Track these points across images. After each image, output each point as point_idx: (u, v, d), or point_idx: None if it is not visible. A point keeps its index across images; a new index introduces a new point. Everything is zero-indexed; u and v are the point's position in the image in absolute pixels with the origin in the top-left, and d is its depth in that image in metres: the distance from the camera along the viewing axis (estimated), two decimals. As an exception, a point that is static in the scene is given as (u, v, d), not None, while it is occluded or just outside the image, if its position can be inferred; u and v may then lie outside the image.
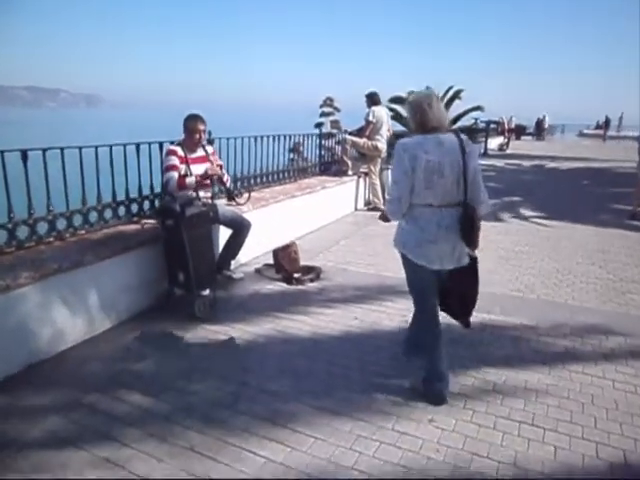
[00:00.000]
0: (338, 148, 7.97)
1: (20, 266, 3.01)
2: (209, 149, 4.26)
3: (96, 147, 3.85)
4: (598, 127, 30.71)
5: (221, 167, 4.32)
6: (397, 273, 4.89)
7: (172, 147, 4.10)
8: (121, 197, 4.15)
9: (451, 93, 21.97)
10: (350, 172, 7.68)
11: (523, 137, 29.54)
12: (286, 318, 3.83)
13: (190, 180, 3.95)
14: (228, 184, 4.48)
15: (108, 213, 4.04)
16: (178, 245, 3.64)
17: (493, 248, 5.90)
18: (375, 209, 7.83)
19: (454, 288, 2.78)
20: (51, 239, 3.54)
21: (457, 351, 3.28)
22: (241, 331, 3.59)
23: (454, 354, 3.17)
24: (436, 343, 2.82)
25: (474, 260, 2.74)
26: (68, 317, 3.23)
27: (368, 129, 7.44)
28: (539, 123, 30.37)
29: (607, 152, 20.64)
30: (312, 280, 4.64)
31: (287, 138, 6.60)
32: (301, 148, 7.60)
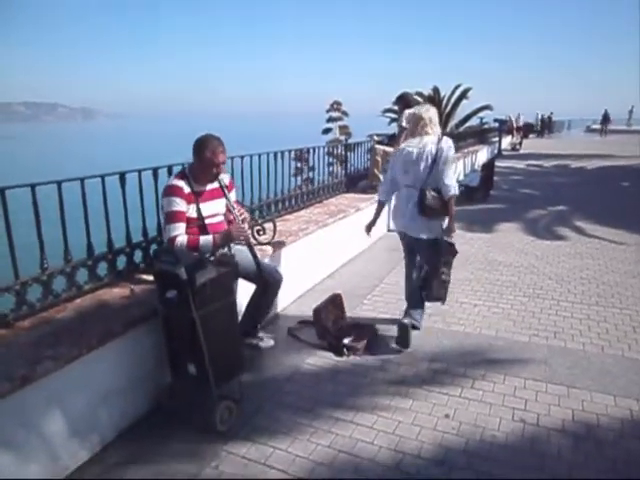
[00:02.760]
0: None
1: None
2: (225, 178, 3.01)
3: (58, 183, 2.61)
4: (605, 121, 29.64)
5: (244, 221, 2.99)
6: (473, 326, 3.76)
7: (174, 182, 2.83)
8: (101, 248, 2.92)
9: (458, 93, 20.88)
10: (382, 188, 6.44)
11: (530, 135, 28.37)
12: (347, 422, 2.59)
13: (205, 242, 2.77)
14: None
15: (82, 274, 2.81)
16: (185, 326, 2.41)
17: (577, 280, 4.67)
18: (411, 229, 6.60)
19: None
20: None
21: None
22: (286, 456, 2.33)
23: None
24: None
25: (440, 239, 3.37)
26: (12, 465, 1.98)
27: (402, 136, 6.19)
28: (546, 120, 29.24)
29: (631, 148, 19.42)
30: (367, 346, 3.39)
31: (311, 151, 5.39)
32: (306, 155, 6.34)
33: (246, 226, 2.94)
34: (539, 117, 29.62)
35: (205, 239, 2.78)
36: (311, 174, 6.05)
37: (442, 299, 3.59)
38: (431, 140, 3.34)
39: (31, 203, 2.49)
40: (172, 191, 2.79)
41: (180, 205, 2.77)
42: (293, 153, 5.01)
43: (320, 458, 2.32)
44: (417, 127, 3.43)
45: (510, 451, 2.35)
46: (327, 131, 13.85)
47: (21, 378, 1.97)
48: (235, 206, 3.03)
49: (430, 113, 3.44)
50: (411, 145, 3.39)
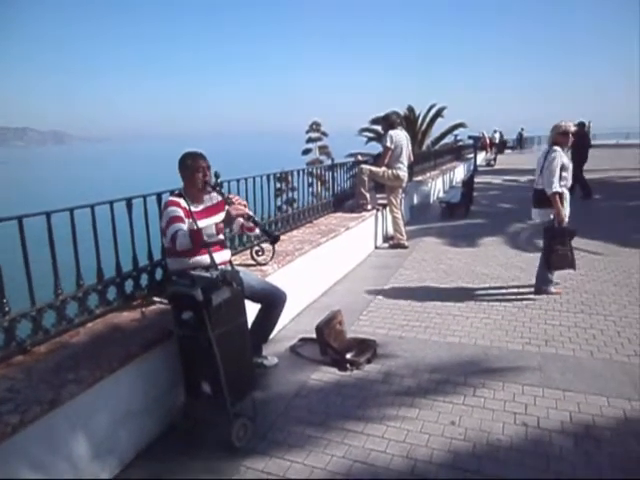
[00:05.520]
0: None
1: (-45, 427, 1.81)
2: (216, 197, 3.10)
3: (71, 210, 2.69)
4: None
5: (245, 205, 3.03)
6: (468, 337, 3.91)
7: (172, 198, 2.97)
8: (109, 273, 2.99)
9: (433, 111, 21.43)
10: (369, 206, 6.61)
11: (506, 151, 29.20)
12: (359, 433, 2.68)
13: (209, 231, 2.77)
14: (257, 230, 3.28)
15: (93, 299, 2.87)
16: (201, 346, 2.48)
17: (562, 289, 4.87)
18: (398, 245, 6.78)
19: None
20: (7, 355, 2.34)
21: None
22: (304, 469, 2.41)
23: None
24: None
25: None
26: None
27: (387, 156, 6.42)
28: (520, 137, 30.19)
29: (596, 162, 20.14)
30: (369, 360, 3.50)
31: (300, 173, 5.52)
32: (289, 177, 6.49)
33: (244, 207, 2.94)
34: (521, 133, 30.51)
35: (207, 224, 2.81)
36: (292, 195, 6.16)
37: (562, 268, 4.58)
38: (545, 150, 4.59)
39: (46, 230, 2.56)
40: (170, 203, 2.90)
41: (179, 212, 2.84)
42: (278, 175, 5.08)
43: (336, 469, 2.41)
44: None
45: (516, 453, 2.48)
46: (307, 152, 14.08)
47: (49, 402, 2.03)
48: (234, 198, 3.02)
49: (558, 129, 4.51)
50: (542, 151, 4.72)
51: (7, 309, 2.35)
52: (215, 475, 2.38)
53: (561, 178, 4.42)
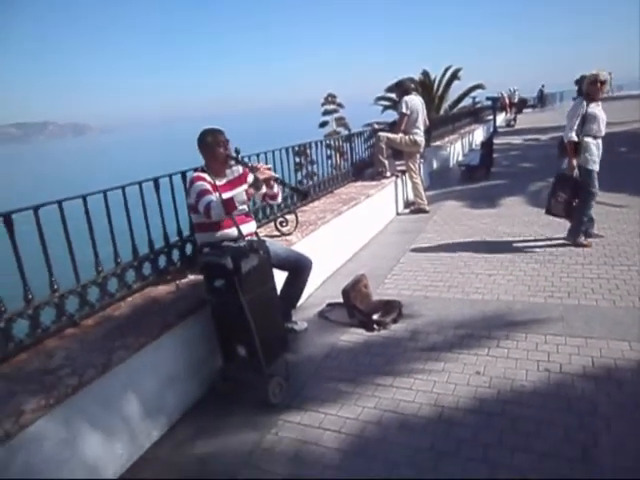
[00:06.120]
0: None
1: (22, 390, 2.01)
2: (240, 169, 3.24)
3: (104, 192, 2.85)
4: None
5: (270, 169, 3.15)
6: (491, 293, 4.00)
7: (197, 174, 3.10)
8: (143, 249, 3.17)
9: (449, 74, 21.01)
10: (388, 173, 6.66)
11: (525, 110, 28.47)
12: (388, 386, 2.83)
13: (240, 197, 2.88)
14: (279, 198, 3.43)
15: (130, 275, 3.06)
16: (234, 312, 2.64)
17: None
18: (419, 211, 6.84)
19: None
20: (60, 329, 2.54)
21: None
22: (337, 420, 2.58)
23: None
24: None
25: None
26: (101, 445, 2.23)
27: (403, 122, 6.42)
28: (541, 94, 29.34)
29: (621, 114, 19.54)
30: (395, 320, 3.64)
31: (313, 146, 5.58)
32: (308, 151, 6.56)
33: (270, 171, 3.07)
34: (542, 90, 29.63)
35: (237, 192, 2.94)
36: (312, 168, 6.23)
37: (558, 215, 4.92)
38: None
39: (84, 212, 2.74)
40: (196, 179, 3.02)
41: (207, 185, 2.97)
42: (296, 148, 5.16)
43: (368, 418, 2.57)
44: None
45: (539, 396, 2.60)
46: (324, 124, 14.04)
47: (102, 365, 2.22)
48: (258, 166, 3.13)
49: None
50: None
51: (56, 287, 2.55)
52: (255, 429, 2.56)
53: (584, 128, 4.52)
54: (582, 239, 4.85)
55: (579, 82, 11.64)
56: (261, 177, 2.95)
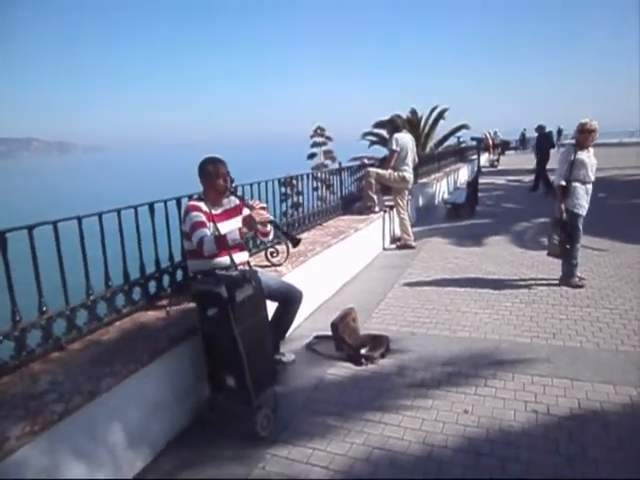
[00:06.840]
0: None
1: (6, 415, 1.95)
2: (234, 200, 3.24)
3: (99, 214, 2.84)
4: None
5: (265, 209, 3.18)
6: (478, 331, 4.03)
7: (193, 202, 3.10)
8: (134, 274, 3.13)
9: (435, 114, 21.55)
10: (377, 208, 6.76)
11: (507, 152, 29.30)
12: (376, 422, 2.81)
13: (233, 236, 2.94)
14: (270, 236, 3.46)
15: (120, 299, 3.02)
16: (226, 342, 2.62)
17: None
18: (406, 246, 6.91)
19: None
20: (45, 352, 2.48)
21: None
22: (326, 455, 2.54)
23: None
24: None
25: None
26: (85, 476, 2.15)
27: (393, 159, 6.57)
28: (523, 137, 30.28)
29: (602, 160, 20.23)
30: (383, 355, 3.63)
31: (308, 177, 5.65)
32: (294, 182, 6.63)
33: (266, 212, 3.09)
34: (523, 133, 30.57)
35: (227, 226, 2.96)
36: (297, 199, 6.27)
37: (555, 255, 4.97)
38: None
39: (77, 234, 2.71)
40: (192, 208, 3.01)
41: (202, 217, 2.96)
42: (283, 179, 5.20)
43: (357, 454, 2.54)
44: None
45: (527, 437, 2.60)
46: (312, 156, 14.21)
47: (89, 392, 2.17)
48: (253, 203, 3.16)
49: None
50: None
51: (45, 308, 2.50)
52: (242, 462, 2.51)
53: (572, 173, 4.72)
54: (576, 280, 4.96)
55: (538, 130, 12.50)
56: (257, 219, 2.97)
